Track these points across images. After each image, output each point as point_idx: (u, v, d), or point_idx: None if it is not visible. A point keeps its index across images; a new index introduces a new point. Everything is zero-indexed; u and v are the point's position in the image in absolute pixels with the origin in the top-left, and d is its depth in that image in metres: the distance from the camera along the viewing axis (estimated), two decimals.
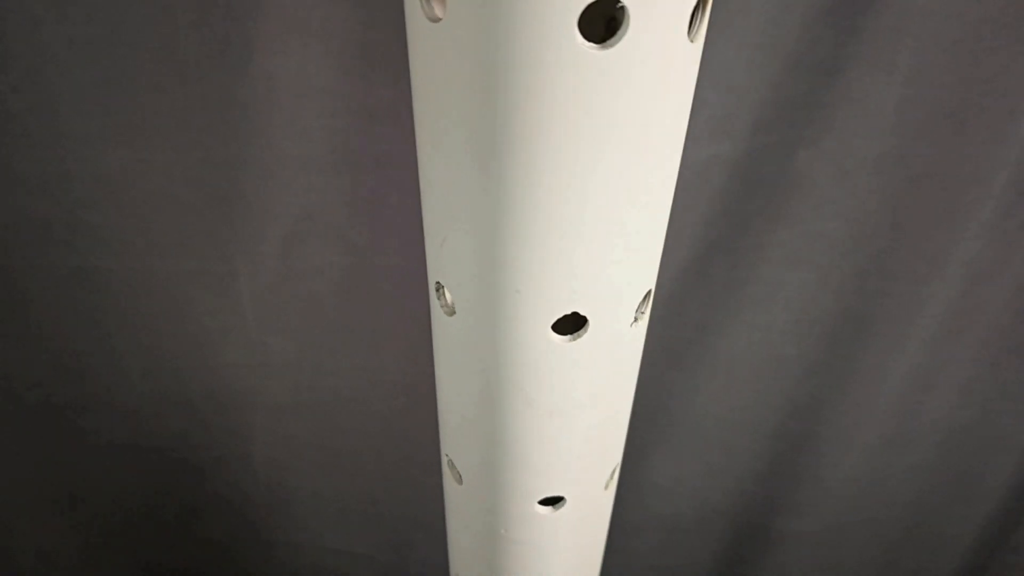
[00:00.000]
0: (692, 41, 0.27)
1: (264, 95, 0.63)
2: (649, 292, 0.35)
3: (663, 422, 0.80)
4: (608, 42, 0.24)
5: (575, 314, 0.32)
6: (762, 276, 0.71)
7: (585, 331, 0.33)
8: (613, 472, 0.43)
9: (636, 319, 0.35)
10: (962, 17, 0.59)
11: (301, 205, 0.68)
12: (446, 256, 0.33)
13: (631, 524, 0.88)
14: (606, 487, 0.43)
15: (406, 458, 0.82)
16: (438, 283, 0.35)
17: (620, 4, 0.24)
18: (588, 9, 0.23)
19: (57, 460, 0.81)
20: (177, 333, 0.74)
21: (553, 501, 0.41)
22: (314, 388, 0.79)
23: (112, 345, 0.75)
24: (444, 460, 0.46)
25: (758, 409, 0.80)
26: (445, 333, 0.37)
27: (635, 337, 0.36)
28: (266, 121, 0.64)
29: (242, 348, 0.75)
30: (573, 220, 0.28)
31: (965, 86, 0.61)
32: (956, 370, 0.77)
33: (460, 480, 0.44)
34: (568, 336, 0.33)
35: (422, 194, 0.33)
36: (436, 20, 0.25)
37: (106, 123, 0.64)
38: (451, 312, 0.35)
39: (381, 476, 0.84)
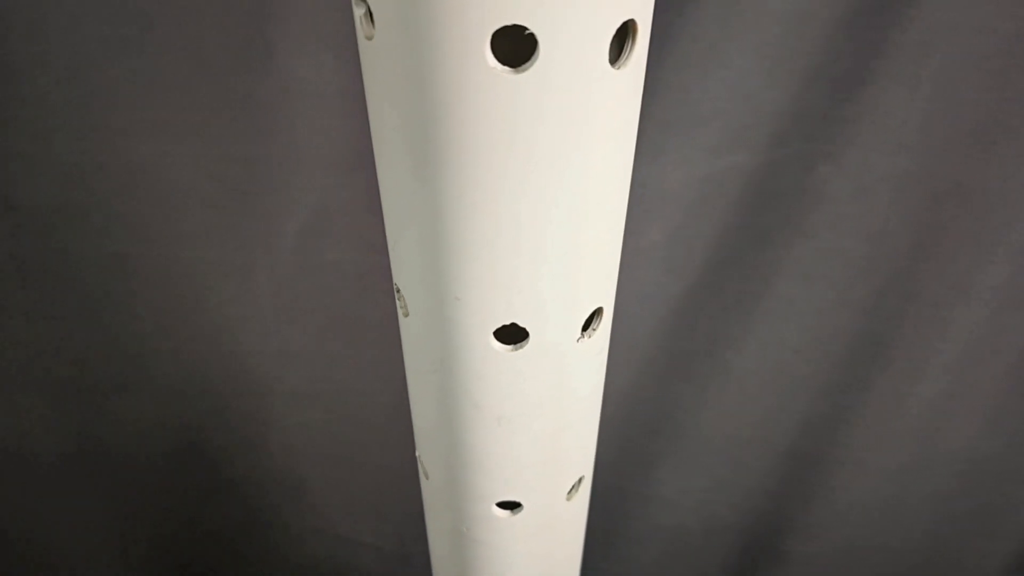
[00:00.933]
0: (619, 69, 0.27)
1: (284, 95, 0.65)
2: (599, 310, 0.35)
3: (669, 434, 0.80)
4: (522, 67, 0.25)
5: (518, 324, 0.33)
6: (777, 291, 0.70)
7: (527, 343, 0.33)
8: (578, 483, 0.44)
9: (586, 336, 0.35)
10: (993, 32, 0.56)
11: (318, 201, 0.71)
12: (397, 259, 0.35)
13: (635, 533, 0.88)
14: (569, 498, 0.43)
15: (411, 452, 0.84)
16: (396, 285, 0.36)
17: (527, 31, 0.24)
18: (519, 31, 0.24)
19: (86, 435, 0.86)
20: (200, 319, 0.78)
21: (511, 506, 0.42)
22: (328, 379, 0.81)
23: (141, 328, 0.79)
24: (417, 455, 0.47)
25: (769, 426, 0.79)
26: (404, 333, 0.39)
27: (587, 353, 0.36)
28: (286, 120, 0.67)
29: (260, 336, 0.79)
30: (504, 235, 0.30)
31: (994, 103, 0.58)
32: (979, 398, 0.74)
33: (427, 476, 0.46)
34: (510, 346, 0.34)
35: (381, 199, 0.35)
36: (370, 38, 0.27)
37: (137, 118, 0.67)
38: (406, 313, 0.36)
39: (389, 469, 0.86)
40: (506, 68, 0.25)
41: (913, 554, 0.87)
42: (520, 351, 0.34)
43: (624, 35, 0.27)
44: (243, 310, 0.77)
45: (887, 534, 0.85)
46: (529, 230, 0.29)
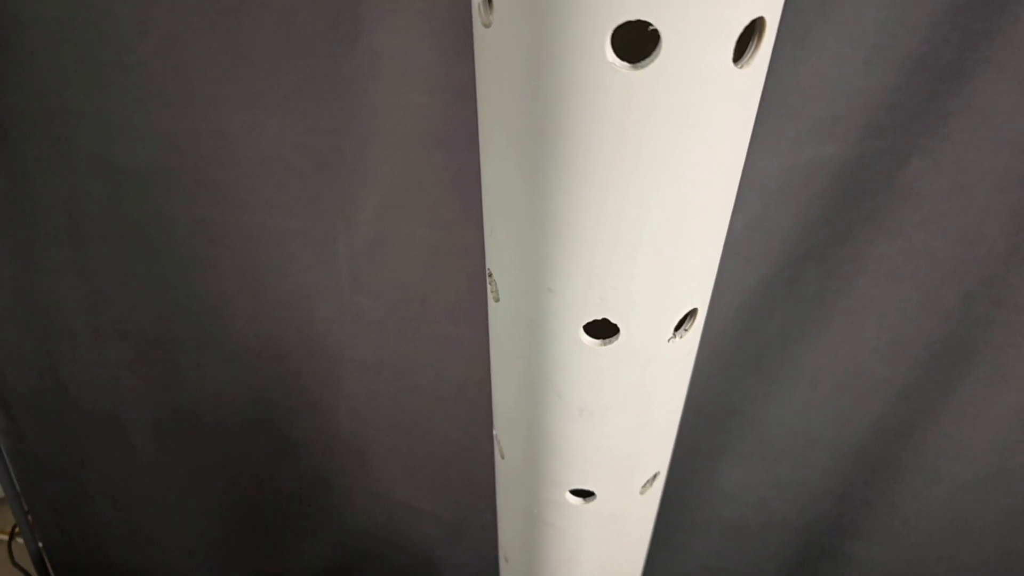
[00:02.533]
0: (741, 67, 0.26)
1: (369, 71, 0.67)
2: (694, 311, 0.35)
3: (734, 427, 0.80)
4: (641, 62, 0.24)
5: (609, 320, 0.34)
6: (857, 289, 0.68)
7: (616, 339, 0.34)
8: (653, 479, 0.44)
9: (677, 336, 0.35)
10: None
11: (396, 176, 0.73)
12: (493, 246, 0.35)
13: (694, 524, 0.88)
14: (643, 492, 0.44)
15: (476, 426, 0.87)
16: (489, 269, 0.37)
17: (651, 27, 0.24)
18: (637, 26, 0.24)
19: (166, 392, 0.92)
20: (279, 286, 0.82)
21: (585, 494, 0.43)
22: (397, 349, 0.84)
23: (222, 291, 0.83)
24: (494, 435, 0.49)
25: (839, 427, 0.77)
26: (493, 317, 0.40)
27: (676, 353, 0.36)
28: (370, 95, 0.69)
29: (335, 305, 0.82)
30: (604, 230, 0.29)
31: None
32: None
33: (503, 455, 0.47)
34: (599, 340, 0.34)
35: (482, 184, 0.36)
36: (488, 25, 0.27)
37: (230, 88, 0.71)
38: (497, 298, 0.37)
39: (451, 441, 0.89)
40: (625, 64, 0.25)
41: (981, 569, 0.85)
42: (608, 347, 0.34)
43: (750, 32, 0.26)
44: (320, 279, 0.80)
45: (956, 547, 0.83)
46: (630, 227, 0.29)
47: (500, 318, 0.38)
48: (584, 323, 0.33)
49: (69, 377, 0.93)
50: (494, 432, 0.48)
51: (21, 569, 1.12)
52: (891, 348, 0.71)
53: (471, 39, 0.65)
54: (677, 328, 0.35)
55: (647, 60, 0.24)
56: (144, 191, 0.78)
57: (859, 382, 0.74)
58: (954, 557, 0.84)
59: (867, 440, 0.78)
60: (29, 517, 1.07)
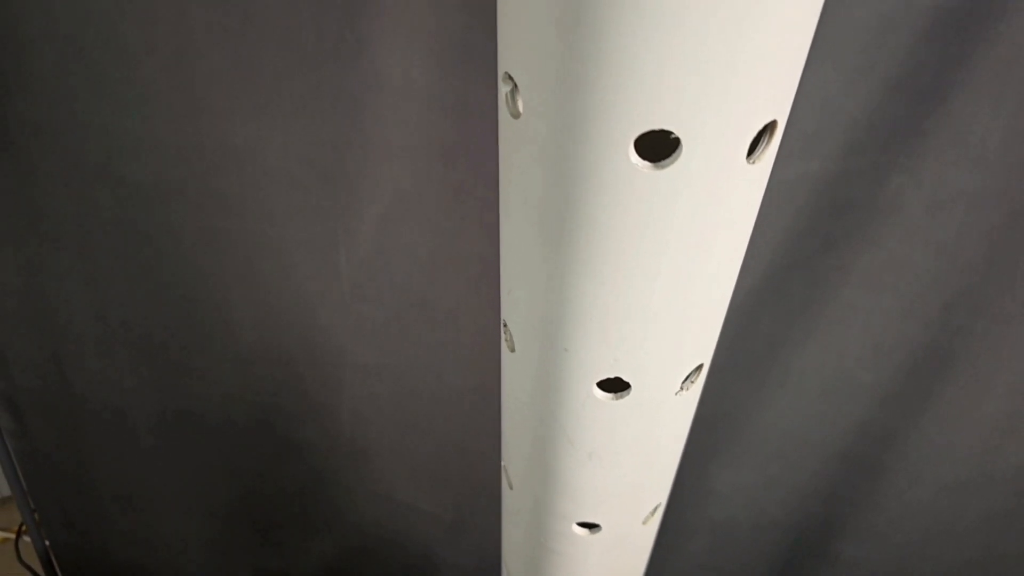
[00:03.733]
0: (753, 163, 0.29)
1: (371, 87, 0.71)
2: (701, 366, 0.38)
3: (725, 430, 0.84)
4: (662, 163, 0.27)
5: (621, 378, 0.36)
6: (841, 298, 0.72)
7: (628, 393, 0.36)
8: (654, 510, 0.48)
9: (684, 389, 0.38)
10: None
11: (397, 189, 0.77)
12: (511, 302, 0.38)
13: (685, 525, 0.92)
14: (645, 522, 0.47)
15: (475, 429, 0.91)
16: (505, 321, 0.40)
17: (672, 135, 0.26)
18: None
19: (172, 394, 0.96)
20: (282, 292, 0.86)
21: (590, 526, 0.46)
22: (398, 354, 0.88)
23: (227, 297, 0.87)
24: (502, 466, 0.51)
25: (824, 429, 0.81)
26: (508, 364, 0.43)
27: (681, 404, 0.39)
28: (371, 111, 0.72)
29: (337, 311, 0.86)
30: (620, 301, 0.32)
31: None
32: None
33: (511, 486, 0.50)
34: (612, 394, 0.36)
35: (501, 244, 0.38)
36: (517, 116, 0.29)
37: (235, 102, 0.74)
38: (512, 349, 0.39)
39: (451, 442, 0.93)
40: (647, 164, 0.27)
41: (964, 567, 0.89)
42: (620, 400, 0.37)
43: (761, 131, 0.29)
44: (322, 286, 0.84)
45: (939, 546, 0.87)
46: (645, 298, 0.32)
47: (515, 368, 0.41)
48: (598, 380, 0.36)
49: (76, 379, 0.97)
50: (502, 462, 0.51)
51: (28, 567, 1.17)
52: (874, 355, 0.75)
53: (468, 58, 0.69)
54: (684, 381, 0.38)
55: (668, 160, 0.27)
56: (150, 201, 0.82)
57: (844, 387, 0.78)
58: (937, 556, 0.89)
59: (852, 443, 0.82)
60: (36, 516, 1.11)
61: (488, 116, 0.70)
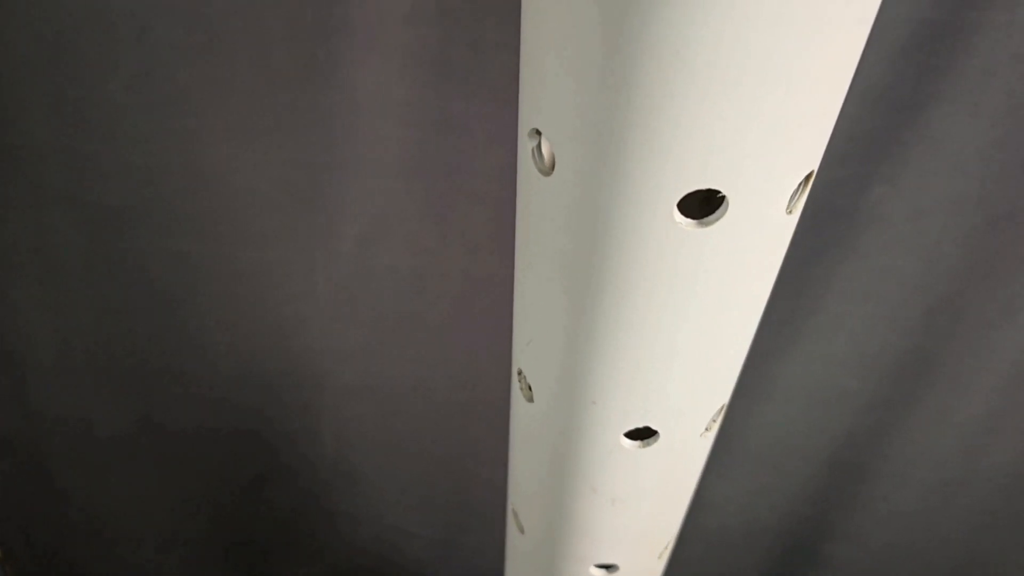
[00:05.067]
0: (790, 213, 0.29)
1: (346, 105, 0.71)
2: (723, 406, 0.39)
3: (715, 440, 0.86)
4: (706, 219, 0.27)
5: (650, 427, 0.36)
6: (826, 307, 0.74)
7: (655, 440, 0.37)
8: (667, 545, 0.49)
9: (708, 429, 0.39)
10: None
11: (376, 207, 0.77)
12: (530, 355, 0.37)
13: (678, 534, 0.95)
14: (660, 557, 0.48)
15: (463, 449, 0.91)
16: (520, 369, 0.39)
17: (720, 194, 0.26)
18: None
19: (146, 422, 0.94)
20: (259, 316, 0.85)
21: (608, 567, 0.47)
22: (381, 375, 0.88)
23: (201, 323, 0.86)
24: (509, 508, 0.51)
25: (812, 436, 0.84)
26: (523, 413, 0.42)
27: (704, 444, 0.40)
28: (348, 129, 0.72)
29: (316, 334, 0.86)
30: (651, 355, 0.32)
31: None
32: None
33: (522, 530, 0.50)
34: (639, 443, 0.37)
35: (515, 292, 0.37)
36: (547, 174, 0.29)
37: (203, 123, 0.73)
38: (530, 399, 0.39)
39: (439, 463, 0.94)
40: (690, 222, 0.27)
41: (951, 563, 0.93)
42: (648, 448, 0.37)
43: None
44: (302, 309, 0.84)
45: (926, 543, 0.91)
46: (676, 349, 0.32)
47: (532, 418, 0.40)
48: (625, 431, 0.36)
49: (42, 411, 0.95)
50: (510, 505, 0.51)
51: None
52: (859, 362, 0.77)
53: (445, 74, 0.69)
54: (709, 422, 0.39)
55: (712, 218, 0.27)
56: (117, 227, 0.80)
57: (830, 394, 0.80)
58: (924, 554, 0.92)
59: (840, 448, 0.85)
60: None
61: (467, 130, 0.70)
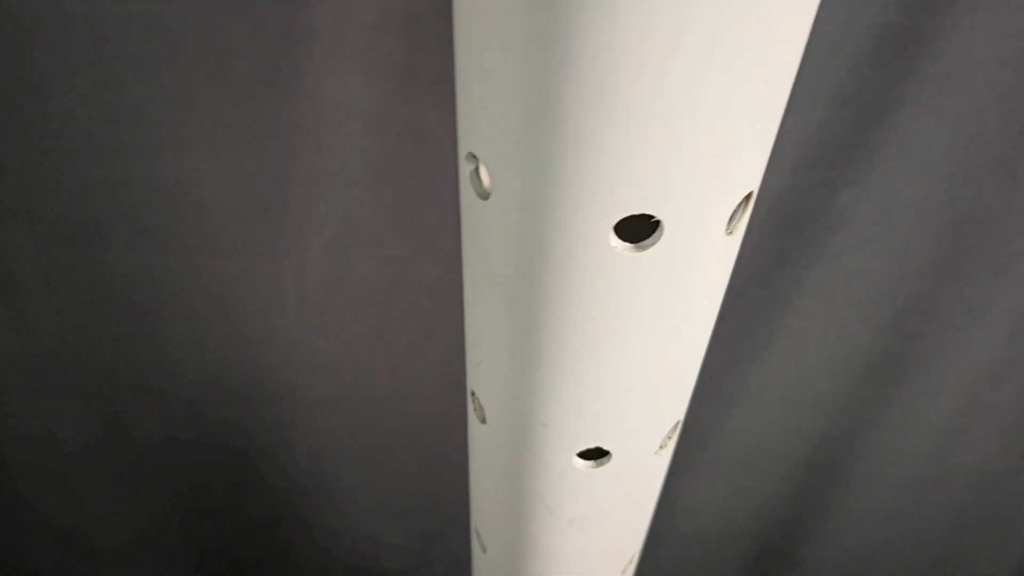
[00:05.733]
0: (731, 234, 0.29)
1: (312, 114, 0.70)
2: (678, 423, 0.39)
3: (690, 444, 0.86)
4: (642, 244, 0.27)
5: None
6: (798, 310, 0.75)
7: (608, 460, 0.36)
8: (631, 560, 0.49)
9: (662, 447, 0.39)
10: (1017, 64, 0.61)
11: (344, 217, 0.76)
12: (481, 376, 0.37)
13: (654, 537, 0.95)
14: (623, 572, 0.48)
15: (438, 458, 0.91)
16: (472, 391, 0.39)
17: (654, 219, 0.26)
18: None
19: (114, 438, 0.93)
20: (227, 329, 0.84)
21: None
22: (354, 386, 0.88)
23: (166, 338, 0.85)
24: (472, 527, 0.51)
25: (787, 438, 0.85)
26: (477, 434, 0.42)
27: (660, 461, 0.40)
28: (313, 138, 0.71)
29: (287, 346, 0.85)
30: (598, 378, 0.32)
31: (1015, 135, 0.63)
32: (996, 415, 0.80)
33: (484, 549, 0.50)
34: (592, 463, 0.37)
35: (465, 313, 0.37)
36: (485, 197, 0.29)
37: (165, 134, 0.72)
38: (483, 419, 0.39)
39: (414, 472, 0.94)
40: (627, 246, 0.27)
41: (926, 560, 0.95)
42: (601, 468, 0.37)
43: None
44: (270, 321, 0.83)
45: (901, 541, 0.93)
46: (624, 371, 0.32)
47: (486, 439, 0.41)
48: (577, 451, 0.36)
49: (7, 427, 0.93)
50: (473, 524, 0.51)
51: None
52: (831, 363, 0.78)
53: (412, 81, 0.69)
54: (663, 439, 0.39)
55: (649, 242, 0.27)
56: (78, 241, 0.79)
57: (804, 396, 0.81)
58: (899, 551, 0.94)
59: (815, 449, 0.86)
60: None
61: (435, 138, 0.70)
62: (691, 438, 0.87)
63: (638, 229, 0.28)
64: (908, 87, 0.63)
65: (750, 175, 0.28)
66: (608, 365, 0.32)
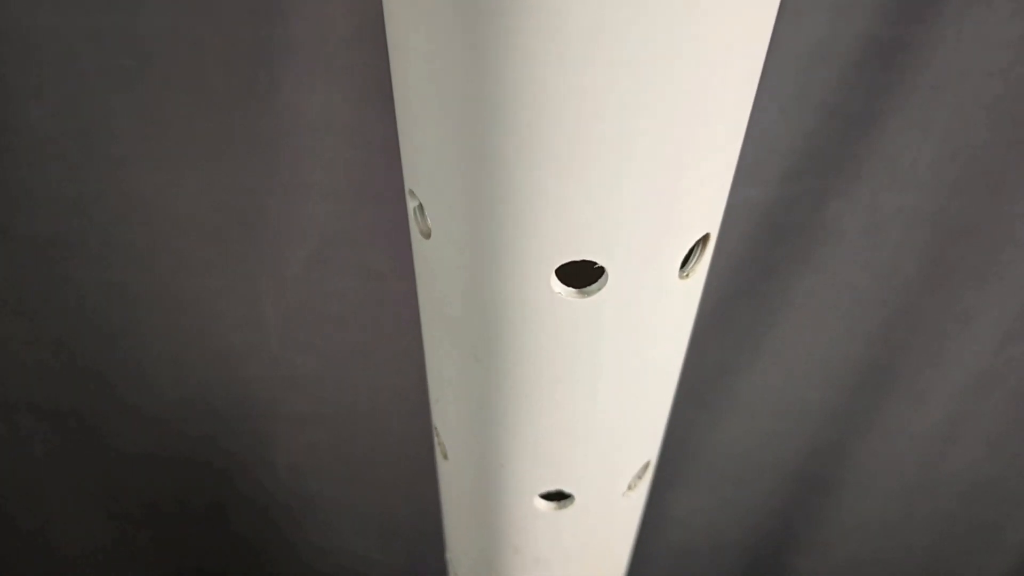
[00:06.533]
0: (687, 277, 0.28)
1: (290, 128, 0.69)
2: (647, 463, 0.38)
3: (679, 457, 0.86)
4: (586, 290, 0.26)
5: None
6: (786, 321, 0.75)
7: (571, 503, 0.36)
8: None
9: (630, 489, 0.38)
10: (1004, 75, 0.61)
11: (323, 232, 0.75)
12: (441, 412, 0.37)
13: (643, 551, 0.95)
14: None
15: (420, 474, 0.90)
16: (436, 427, 0.38)
17: (596, 265, 0.25)
18: None
19: (89, 464, 0.91)
20: (204, 346, 0.82)
21: None
22: (335, 402, 0.87)
23: (143, 356, 0.83)
24: (447, 555, 0.51)
25: (777, 450, 0.85)
26: (442, 470, 0.42)
27: (629, 503, 0.39)
28: (292, 152, 0.70)
29: (266, 362, 0.84)
30: (554, 420, 0.31)
31: (1002, 145, 0.63)
32: (984, 424, 0.81)
33: None
34: (555, 503, 0.36)
35: (424, 351, 0.36)
36: (428, 236, 0.28)
37: (138, 149, 0.71)
38: (445, 455, 0.38)
39: (397, 488, 0.93)
40: (571, 291, 0.26)
41: (915, 569, 0.95)
42: (564, 510, 0.36)
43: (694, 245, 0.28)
44: (249, 338, 0.81)
45: (889, 550, 0.93)
46: (580, 415, 0.31)
47: (450, 475, 0.40)
48: (538, 493, 0.36)
49: None
50: (447, 556, 0.51)
51: None
52: (820, 375, 0.78)
53: (392, 95, 0.68)
54: (630, 482, 0.38)
55: (593, 288, 0.26)
56: (49, 258, 0.77)
57: (793, 407, 0.81)
58: (888, 560, 0.94)
59: (804, 461, 0.86)
60: None
61: None
62: (680, 450, 0.87)
63: (588, 272, 0.27)
64: (895, 97, 0.63)
65: (705, 217, 0.27)
66: (563, 409, 0.31)
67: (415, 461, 0.90)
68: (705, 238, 0.28)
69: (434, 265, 0.29)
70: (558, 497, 0.36)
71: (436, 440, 0.40)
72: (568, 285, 0.27)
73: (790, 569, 0.95)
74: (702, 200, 0.26)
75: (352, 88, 0.66)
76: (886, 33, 0.60)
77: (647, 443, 0.37)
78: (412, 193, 0.28)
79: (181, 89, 0.67)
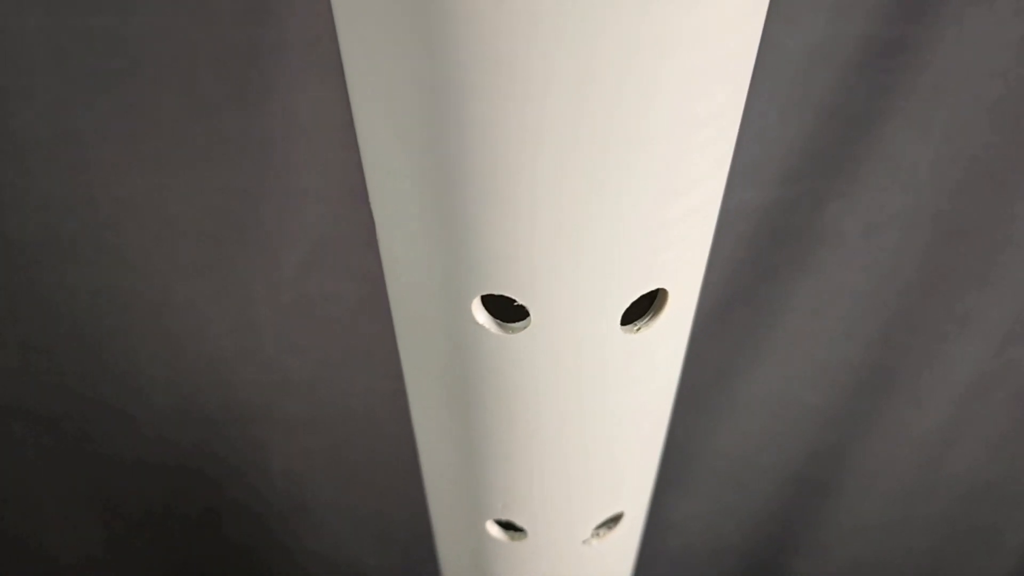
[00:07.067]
0: (636, 332, 0.26)
1: (283, 129, 0.68)
2: (620, 515, 0.36)
3: (678, 460, 0.86)
4: (513, 326, 0.25)
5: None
6: (785, 324, 0.75)
7: (524, 537, 0.35)
8: None
9: (596, 536, 0.36)
10: (1005, 75, 0.60)
11: (317, 234, 0.75)
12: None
13: (641, 556, 0.94)
14: None
15: (417, 478, 0.90)
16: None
17: (516, 303, 0.24)
18: None
19: (81, 469, 0.91)
20: (197, 351, 0.82)
21: None
22: (329, 405, 0.86)
23: (135, 360, 0.83)
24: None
25: (776, 453, 0.85)
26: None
27: (596, 552, 0.37)
28: (285, 154, 0.70)
29: (260, 366, 0.83)
30: (493, 451, 0.30)
31: (1002, 146, 0.63)
32: (983, 427, 0.81)
33: None
34: (508, 533, 0.36)
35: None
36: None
37: (130, 152, 0.70)
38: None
39: (392, 493, 0.92)
40: (496, 325, 0.25)
41: (915, 572, 0.95)
42: (519, 543, 0.35)
43: (652, 297, 0.26)
44: (242, 342, 0.81)
45: (890, 554, 0.93)
46: (520, 452, 0.30)
47: (427, 487, 0.40)
48: (490, 520, 0.35)
49: None
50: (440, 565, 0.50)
51: None
52: (819, 377, 0.78)
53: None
54: (596, 530, 0.36)
55: (518, 325, 0.25)
56: (39, 261, 0.77)
57: (792, 410, 0.81)
58: (888, 563, 0.94)
59: (803, 464, 0.86)
60: None
61: None
62: (679, 454, 0.86)
63: (523, 309, 0.26)
64: (895, 98, 0.63)
65: (657, 272, 0.24)
66: (500, 441, 0.30)
67: (410, 465, 0.90)
68: (661, 294, 0.26)
69: (388, 277, 0.30)
70: (513, 527, 0.36)
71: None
72: (507, 320, 0.25)
73: (790, 572, 0.95)
74: (649, 252, 0.24)
75: (344, 90, 0.66)
76: (886, 33, 0.60)
77: (613, 494, 0.35)
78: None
79: (172, 91, 0.67)
